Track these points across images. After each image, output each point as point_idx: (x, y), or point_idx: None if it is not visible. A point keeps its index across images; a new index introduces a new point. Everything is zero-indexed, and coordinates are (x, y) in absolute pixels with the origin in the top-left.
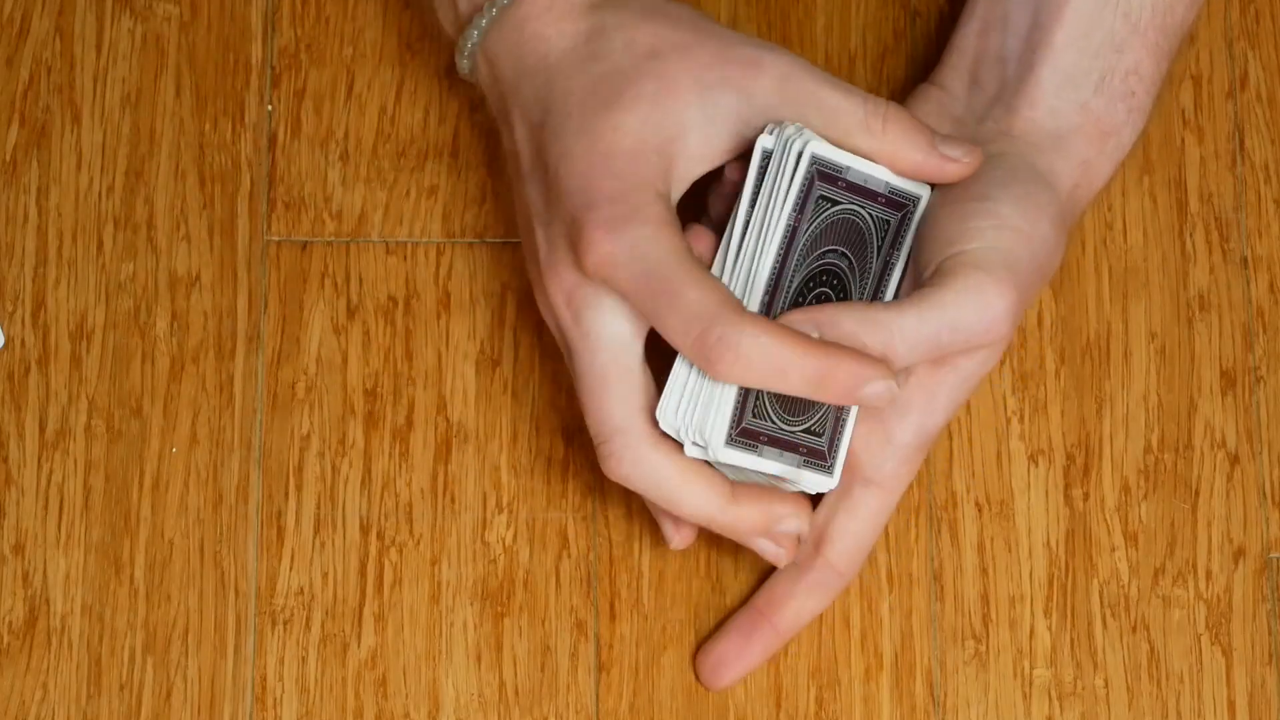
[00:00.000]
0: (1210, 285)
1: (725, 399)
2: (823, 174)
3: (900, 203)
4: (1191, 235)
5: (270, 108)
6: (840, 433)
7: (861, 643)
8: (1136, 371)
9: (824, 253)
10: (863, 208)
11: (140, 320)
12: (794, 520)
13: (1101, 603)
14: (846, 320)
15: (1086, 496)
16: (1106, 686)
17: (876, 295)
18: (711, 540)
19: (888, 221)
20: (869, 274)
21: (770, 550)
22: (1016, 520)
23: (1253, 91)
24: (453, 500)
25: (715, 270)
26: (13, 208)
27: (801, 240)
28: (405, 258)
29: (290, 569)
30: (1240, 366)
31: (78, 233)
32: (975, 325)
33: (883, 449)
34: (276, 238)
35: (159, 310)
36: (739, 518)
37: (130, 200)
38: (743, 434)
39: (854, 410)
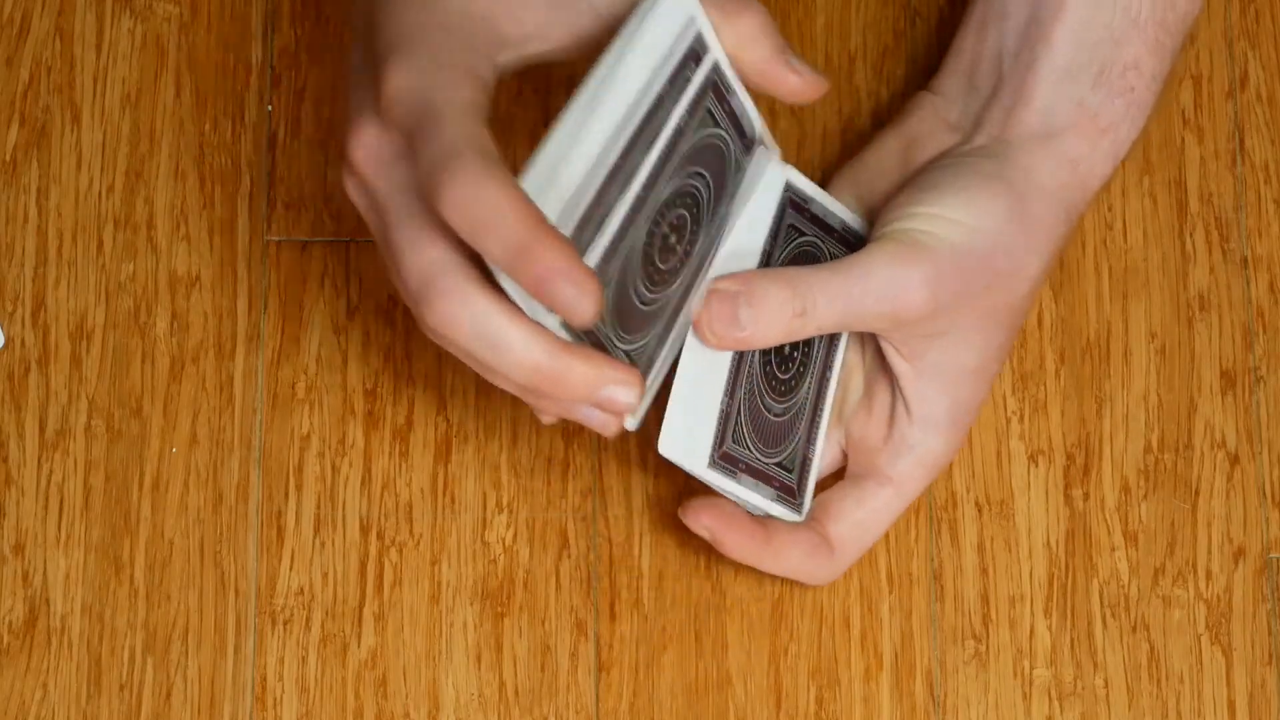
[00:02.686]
0: (1210, 285)
1: (708, 419)
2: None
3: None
4: (1191, 235)
5: (270, 108)
6: (807, 471)
7: (861, 643)
8: (1136, 371)
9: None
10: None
11: (140, 320)
12: (626, 390)
13: (1101, 603)
14: (765, 282)
15: (1086, 496)
16: (1106, 686)
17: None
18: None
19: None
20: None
21: (597, 418)
22: (1016, 520)
23: (1253, 91)
24: (453, 500)
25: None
26: (13, 208)
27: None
28: None
29: (290, 569)
30: (1240, 366)
31: (78, 233)
32: (884, 286)
33: (898, 448)
34: (276, 238)
35: (159, 310)
36: (569, 369)
37: (130, 200)
38: (724, 458)
39: (818, 449)
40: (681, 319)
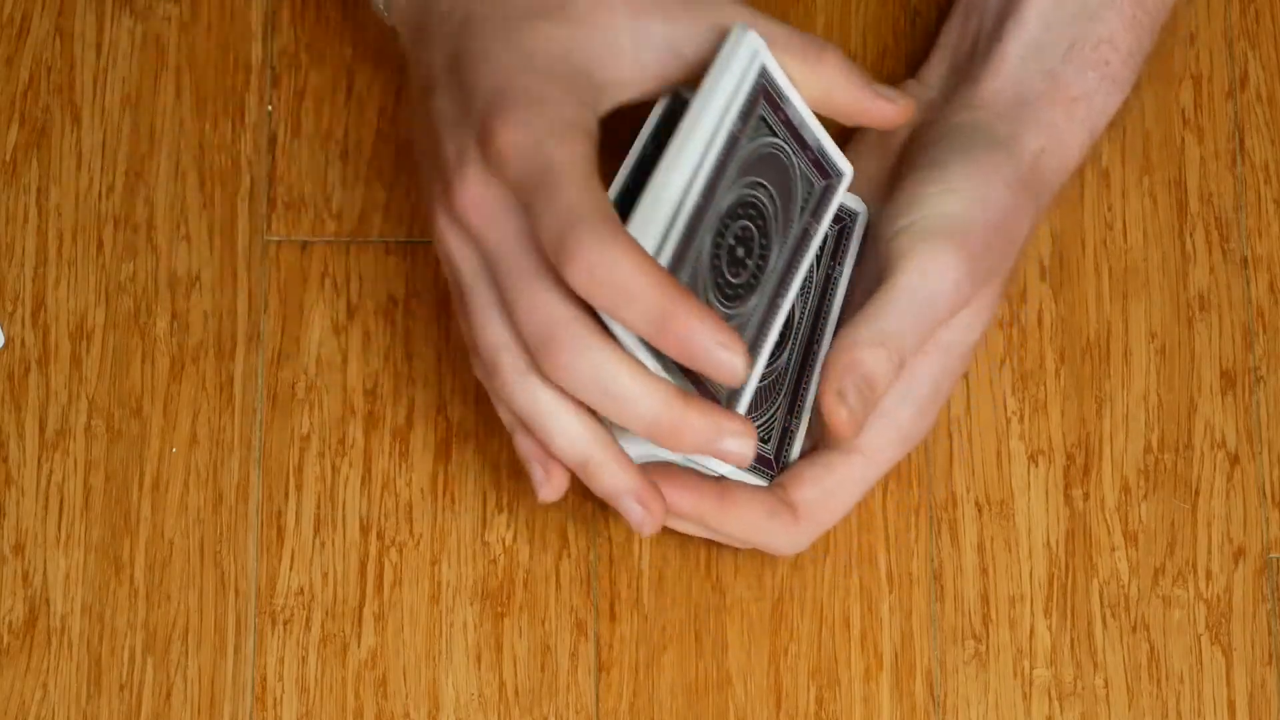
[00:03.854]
0: (1210, 285)
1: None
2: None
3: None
4: (1191, 235)
5: (270, 108)
6: (789, 444)
7: (861, 643)
8: (1136, 371)
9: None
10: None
11: (140, 320)
12: (740, 441)
13: (1101, 603)
14: (868, 358)
15: (1086, 496)
16: (1106, 686)
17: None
18: (711, 541)
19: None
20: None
21: (636, 514)
22: (1016, 520)
23: (1253, 91)
24: (453, 500)
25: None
26: (13, 208)
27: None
28: (405, 258)
29: (290, 569)
30: (1240, 366)
31: (78, 233)
32: (941, 295)
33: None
34: (276, 238)
35: (159, 310)
36: (686, 420)
37: (130, 200)
38: None
39: (802, 424)
40: (771, 337)
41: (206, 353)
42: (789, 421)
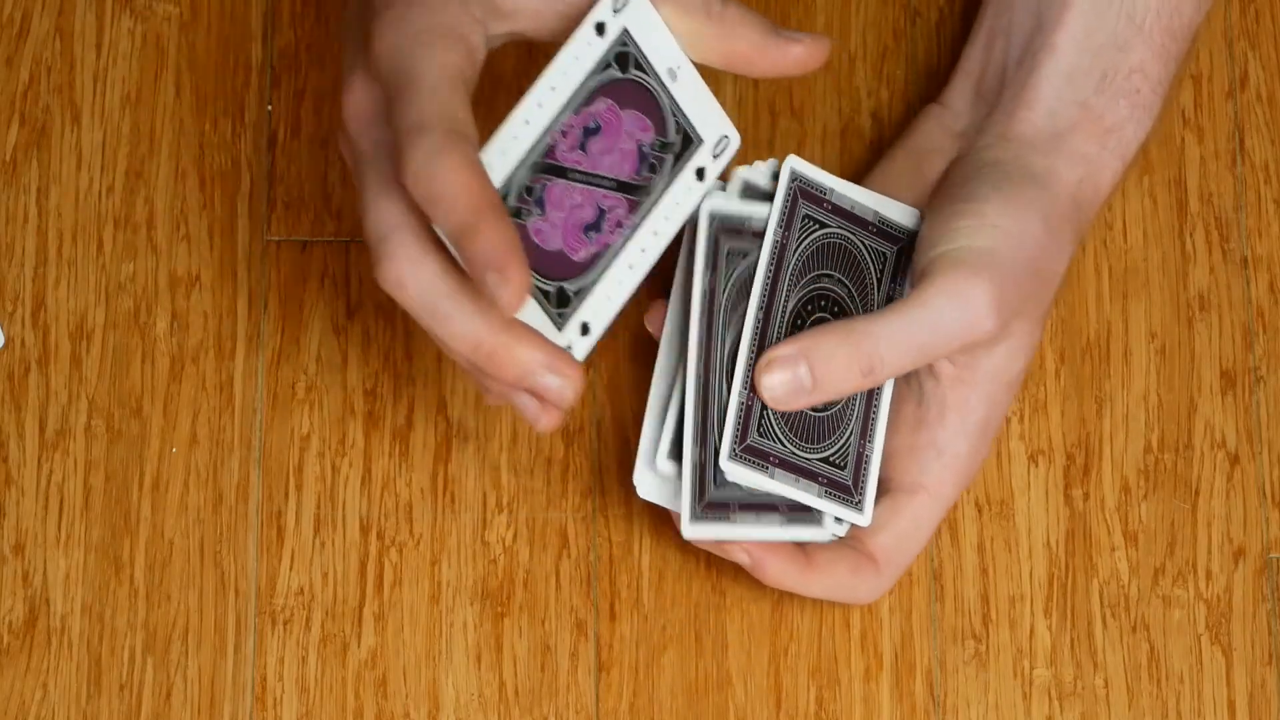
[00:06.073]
0: (1210, 285)
1: (728, 415)
2: (805, 193)
3: (892, 235)
4: (1191, 235)
5: (270, 108)
6: (865, 469)
7: (861, 643)
8: (1136, 371)
9: (818, 275)
10: (853, 234)
11: (140, 320)
12: (561, 381)
13: (1101, 603)
14: (827, 339)
15: (1086, 496)
16: (1106, 686)
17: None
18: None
19: (884, 254)
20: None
21: (531, 408)
22: (1016, 520)
23: (1253, 91)
24: (453, 500)
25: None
26: (13, 208)
27: (791, 261)
28: None
29: (290, 569)
30: (1240, 366)
31: (78, 233)
32: (955, 323)
33: (926, 454)
34: (276, 238)
35: (159, 310)
36: (507, 349)
37: (130, 200)
38: (748, 451)
39: (877, 448)
40: (622, 263)
41: (206, 353)
42: (862, 446)
